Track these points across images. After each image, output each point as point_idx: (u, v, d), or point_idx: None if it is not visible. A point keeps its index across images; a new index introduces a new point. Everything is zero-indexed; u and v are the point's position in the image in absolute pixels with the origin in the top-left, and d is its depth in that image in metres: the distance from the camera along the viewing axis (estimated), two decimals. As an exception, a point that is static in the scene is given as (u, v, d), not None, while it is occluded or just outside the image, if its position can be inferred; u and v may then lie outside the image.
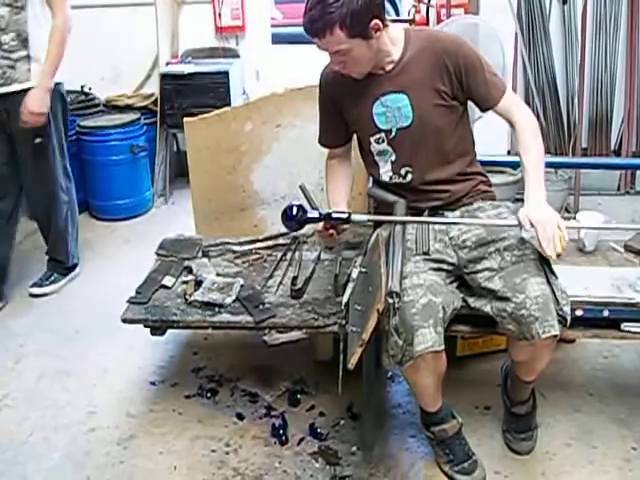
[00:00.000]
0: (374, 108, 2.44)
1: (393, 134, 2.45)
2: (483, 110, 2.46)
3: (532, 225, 2.17)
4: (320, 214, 2.42)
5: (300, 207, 2.41)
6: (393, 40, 2.38)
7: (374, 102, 2.43)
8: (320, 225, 2.45)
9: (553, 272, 2.30)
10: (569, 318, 2.23)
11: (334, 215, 2.41)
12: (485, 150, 2.85)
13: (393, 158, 2.49)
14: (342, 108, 2.54)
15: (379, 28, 2.28)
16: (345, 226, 2.45)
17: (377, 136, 2.48)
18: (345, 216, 2.39)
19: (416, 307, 2.18)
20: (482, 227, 2.40)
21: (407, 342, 2.17)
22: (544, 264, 2.29)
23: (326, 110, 2.60)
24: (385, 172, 2.54)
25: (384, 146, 2.49)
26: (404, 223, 2.41)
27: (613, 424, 2.65)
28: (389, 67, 2.40)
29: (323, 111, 2.62)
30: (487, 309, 2.29)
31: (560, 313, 2.20)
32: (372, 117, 2.45)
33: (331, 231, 2.44)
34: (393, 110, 2.42)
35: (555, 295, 2.21)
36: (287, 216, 2.41)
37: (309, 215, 2.41)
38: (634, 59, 4.68)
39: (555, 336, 2.17)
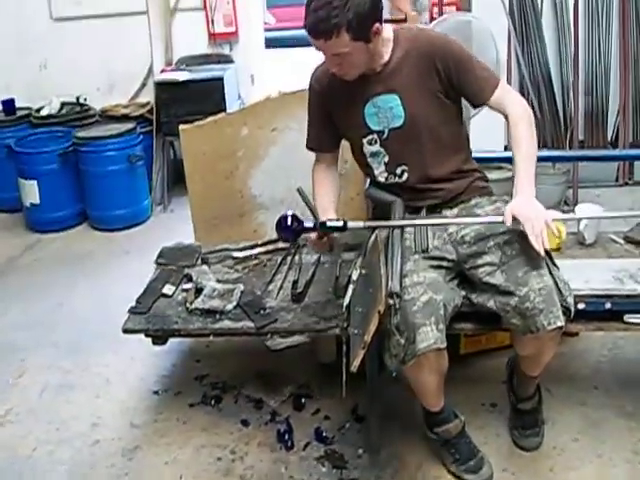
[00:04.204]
0: (366, 109, 2.43)
1: (385, 135, 2.44)
2: (476, 106, 2.45)
3: (516, 220, 2.14)
4: (315, 223, 2.39)
5: (294, 217, 2.36)
6: (385, 41, 2.38)
7: (365, 103, 2.42)
8: (313, 235, 2.44)
9: (554, 263, 2.29)
10: (573, 309, 2.23)
11: (329, 224, 2.38)
12: (481, 147, 2.84)
13: (386, 159, 2.48)
14: (333, 111, 2.52)
15: (378, 32, 2.28)
16: (336, 234, 2.45)
17: (369, 137, 2.47)
18: (340, 224, 2.35)
19: (417, 305, 2.17)
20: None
21: (409, 340, 2.15)
22: (545, 256, 2.27)
23: (316, 113, 2.58)
24: (380, 173, 2.53)
25: (377, 147, 2.48)
26: (401, 227, 2.37)
27: (620, 417, 2.64)
28: (379, 68, 2.39)
29: (313, 114, 2.59)
30: (490, 304, 2.28)
31: (564, 304, 2.20)
32: (364, 118, 2.44)
33: (324, 239, 2.44)
34: (385, 111, 2.41)
35: (558, 286, 2.20)
36: (282, 227, 2.35)
37: (304, 225, 2.36)
38: (627, 50, 4.67)
39: (560, 327, 2.15)
